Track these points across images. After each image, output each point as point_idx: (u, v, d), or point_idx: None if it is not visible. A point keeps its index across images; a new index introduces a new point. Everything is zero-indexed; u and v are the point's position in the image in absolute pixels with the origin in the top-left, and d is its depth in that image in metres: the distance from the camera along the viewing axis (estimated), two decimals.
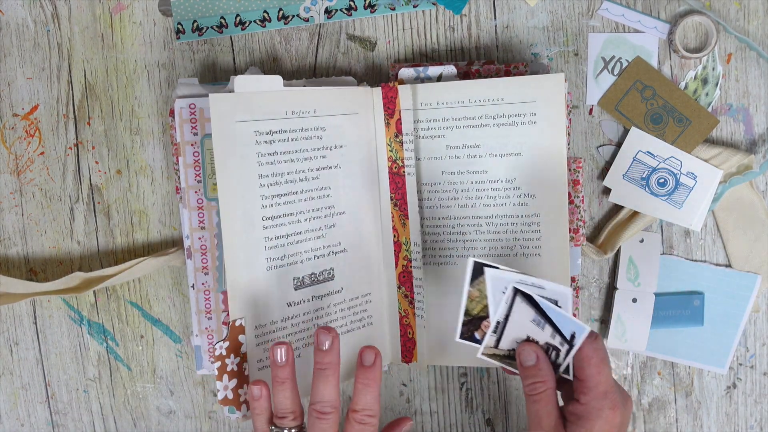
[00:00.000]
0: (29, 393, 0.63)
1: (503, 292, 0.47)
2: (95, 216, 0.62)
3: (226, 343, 0.50)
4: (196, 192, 0.57)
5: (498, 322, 0.48)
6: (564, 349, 0.46)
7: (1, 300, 0.60)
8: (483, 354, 0.49)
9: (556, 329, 0.46)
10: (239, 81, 0.50)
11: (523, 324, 0.47)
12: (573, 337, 0.46)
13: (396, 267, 0.57)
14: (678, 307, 0.60)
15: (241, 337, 0.50)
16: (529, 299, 0.46)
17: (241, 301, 0.50)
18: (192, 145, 0.57)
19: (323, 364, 0.46)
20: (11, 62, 0.61)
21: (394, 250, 0.56)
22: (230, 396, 0.50)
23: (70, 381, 0.63)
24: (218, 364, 0.49)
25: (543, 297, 0.46)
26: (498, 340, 0.48)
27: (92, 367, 0.63)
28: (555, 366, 0.47)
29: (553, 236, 0.54)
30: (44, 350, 0.63)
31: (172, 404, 0.63)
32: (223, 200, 0.49)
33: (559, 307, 0.46)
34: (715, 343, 0.60)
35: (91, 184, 0.61)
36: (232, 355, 0.50)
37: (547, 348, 0.47)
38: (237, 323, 0.50)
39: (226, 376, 0.50)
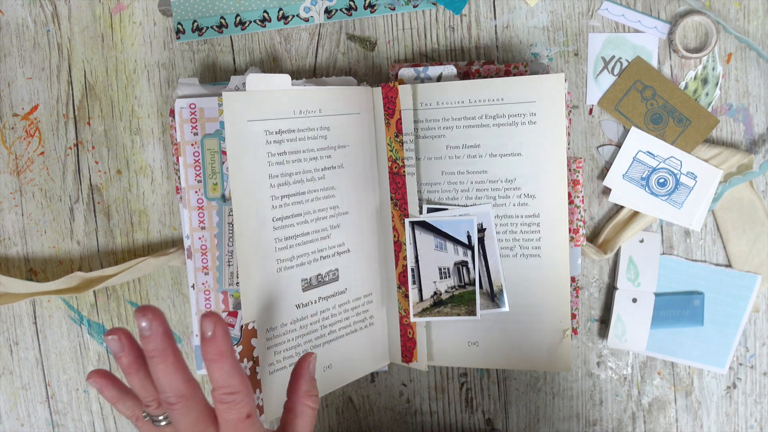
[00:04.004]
0: (29, 393, 0.63)
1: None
2: (95, 216, 0.62)
3: (240, 347, 0.49)
4: (196, 192, 0.57)
5: (412, 270, 0.48)
6: (469, 255, 0.45)
7: (1, 300, 0.60)
8: (415, 316, 0.49)
9: (457, 241, 0.46)
10: (251, 79, 0.50)
11: (430, 257, 0.47)
12: (480, 229, 0.45)
13: (396, 267, 0.57)
14: (678, 307, 0.60)
15: (253, 341, 0.50)
16: (425, 226, 0.46)
17: (254, 304, 0.50)
18: (192, 145, 0.57)
19: (149, 352, 0.41)
20: (11, 62, 0.60)
21: (395, 250, 0.56)
22: None
23: (70, 381, 0.63)
24: None
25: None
26: (420, 292, 0.48)
27: (92, 367, 0.63)
28: (471, 283, 0.45)
29: (553, 236, 0.54)
30: (44, 350, 0.63)
31: None
32: (237, 201, 0.49)
33: (484, 228, 0.45)
34: (715, 343, 0.60)
35: (91, 184, 0.61)
36: (245, 360, 0.50)
37: (458, 269, 0.47)
38: (249, 326, 0.50)
39: None
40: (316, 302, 0.54)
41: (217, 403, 0.42)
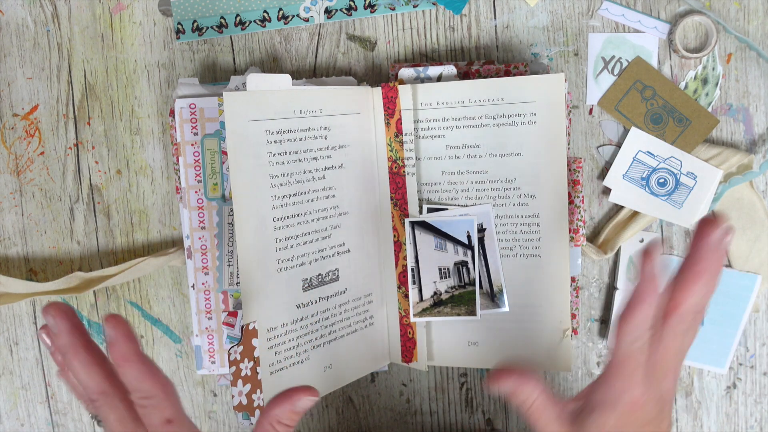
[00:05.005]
0: (29, 393, 0.63)
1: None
2: (95, 216, 0.62)
3: (240, 348, 0.49)
4: (196, 192, 0.57)
5: (412, 270, 0.48)
6: (469, 255, 0.45)
7: (1, 300, 0.60)
8: (415, 316, 0.49)
9: (457, 241, 0.46)
10: (251, 79, 0.50)
11: (430, 257, 0.47)
12: (481, 229, 0.45)
13: (396, 267, 0.57)
14: None
15: (254, 341, 0.50)
16: (425, 226, 0.46)
17: (254, 304, 0.50)
18: (192, 145, 0.57)
19: (59, 348, 0.40)
20: (11, 62, 0.60)
21: (395, 250, 0.56)
22: (245, 402, 0.50)
23: None
24: (233, 369, 0.49)
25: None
26: (420, 292, 0.49)
27: None
28: (471, 283, 0.46)
29: (553, 236, 0.54)
30: (44, 350, 0.63)
31: None
32: (237, 201, 0.49)
33: (484, 229, 0.46)
34: (715, 343, 0.60)
35: (91, 184, 0.61)
36: (246, 360, 0.49)
37: (458, 269, 0.47)
38: (250, 326, 0.50)
39: (240, 382, 0.49)
40: (316, 302, 0.54)
41: (136, 407, 0.40)
